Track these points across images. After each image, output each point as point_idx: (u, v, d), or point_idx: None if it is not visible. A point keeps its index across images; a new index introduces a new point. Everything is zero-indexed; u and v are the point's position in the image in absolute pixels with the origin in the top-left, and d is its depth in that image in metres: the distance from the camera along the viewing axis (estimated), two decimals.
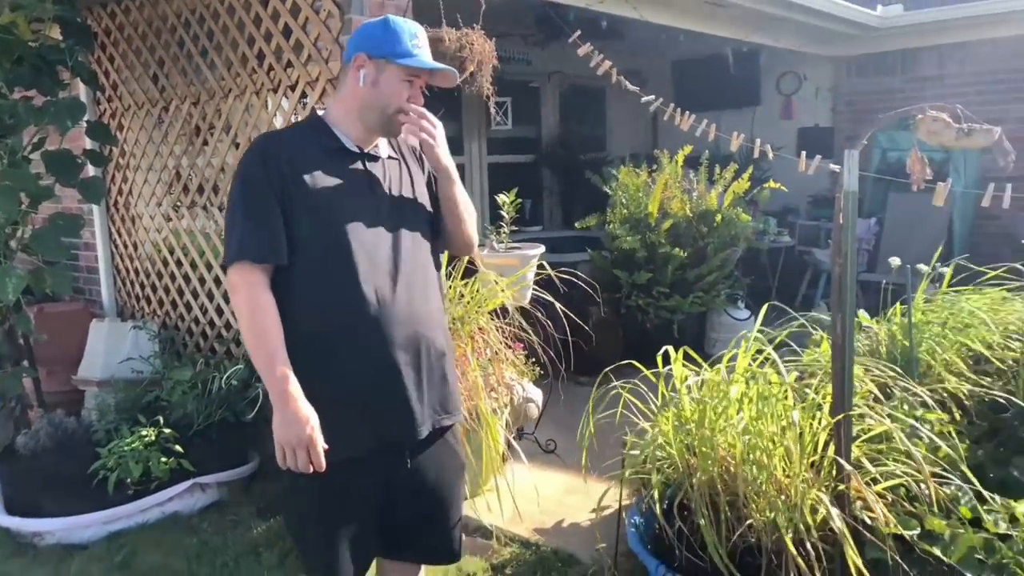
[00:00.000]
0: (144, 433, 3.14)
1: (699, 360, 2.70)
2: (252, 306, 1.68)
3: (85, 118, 3.90)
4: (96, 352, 3.93)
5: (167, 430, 3.20)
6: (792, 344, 2.94)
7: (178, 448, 3.17)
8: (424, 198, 1.93)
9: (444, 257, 2.80)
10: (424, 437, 1.84)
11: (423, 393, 1.81)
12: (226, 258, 1.73)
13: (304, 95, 3.41)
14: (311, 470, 1.64)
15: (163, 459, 3.11)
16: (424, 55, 1.82)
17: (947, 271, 3.34)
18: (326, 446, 1.65)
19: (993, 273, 3.35)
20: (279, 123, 3.55)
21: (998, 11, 6.15)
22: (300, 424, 1.62)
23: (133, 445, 3.07)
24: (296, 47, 3.37)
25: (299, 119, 3.47)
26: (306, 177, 1.73)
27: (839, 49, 7.02)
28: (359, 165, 1.82)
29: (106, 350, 3.89)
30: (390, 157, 1.89)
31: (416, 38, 1.81)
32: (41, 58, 3.65)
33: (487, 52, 3.24)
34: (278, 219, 1.70)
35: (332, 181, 1.76)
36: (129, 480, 3.04)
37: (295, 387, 1.64)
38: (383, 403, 1.77)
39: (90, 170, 4.21)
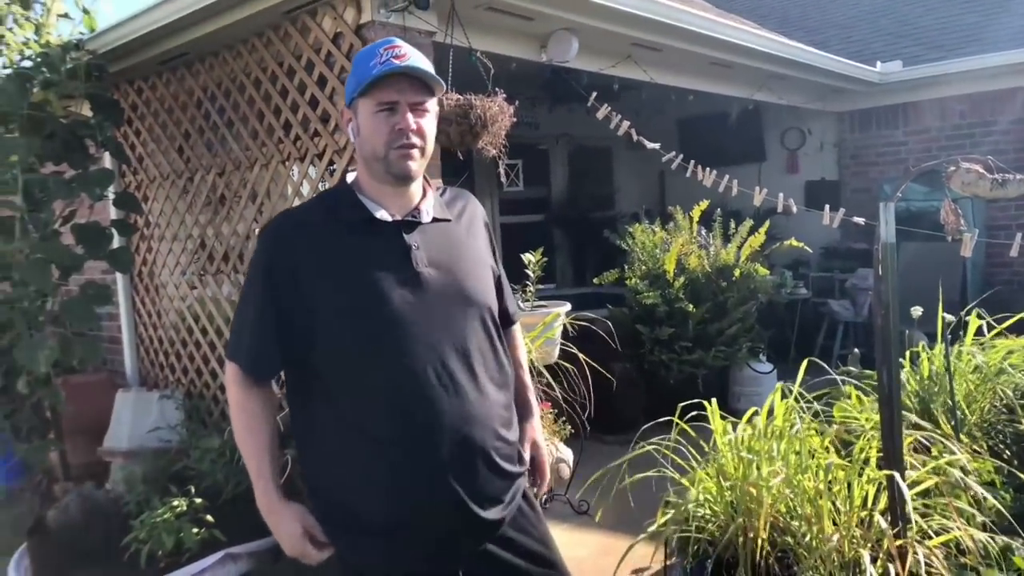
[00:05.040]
0: (175, 503, 3.10)
1: (722, 414, 2.68)
2: (238, 409, 1.59)
3: (111, 189, 3.98)
4: (122, 422, 3.91)
5: (198, 500, 3.16)
6: (813, 400, 2.92)
7: (209, 518, 3.12)
8: (483, 265, 1.67)
9: None
10: (487, 559, 1.60)
11: (471, 509, 1.53)
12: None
13: (332, 163, 3.48)
14: (326, 555, 1.57)
15: (195, 530, 3.06)
16: (387, 67, 1.50)
17: (971, 320, 3.35)
18: (323, 539, 1.56)
19: (1014, 319, 3.37)
20: (306, 190, 3.62)
21: (991, 65, 6.34)
22: (284, 534, 1.55)
23: (165, 516, 3.03)
24: (323, 116, 3.46)
25: (325, 187, 3.57)
26: (322, 262, 1.52)
27: (842, 104, 7.19)
28: (392, 236, 1.55)
29: (132, 420, 3.87)
30: (436, 220, 1.61)
31: (376, 56, 1.52)
32: (71, 133, 3.74)
33: (493, 113, 3.27)
34: (274, 328, 1.53)
35: (356, 264, 1.52)
36: (161, 552, 2.99)
37: (272, 496, 1.55)
38: (427, 524, 1.52)
39: (116, 241, 4.27)
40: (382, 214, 1.57)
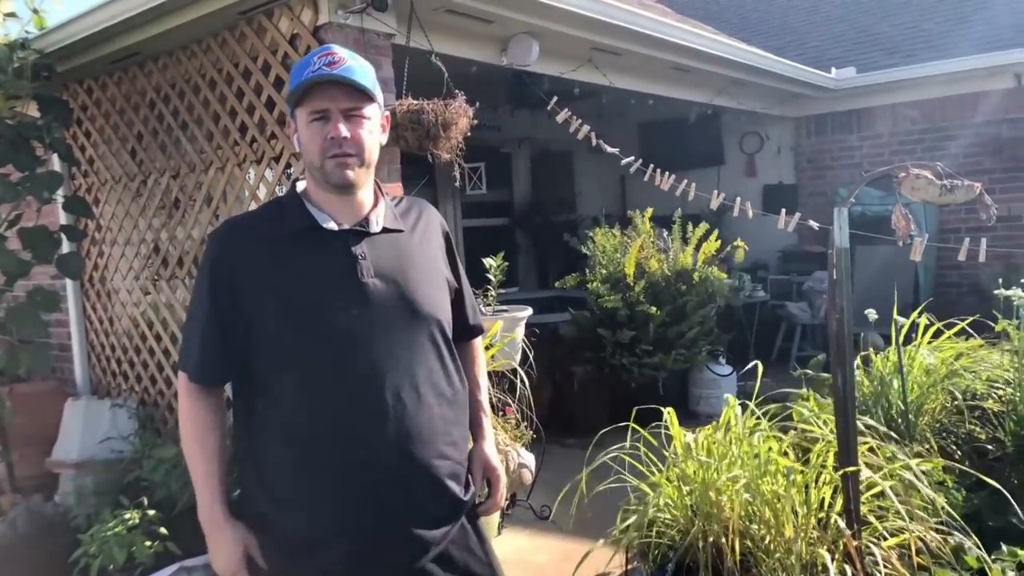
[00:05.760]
0: (127, 516, 3.01)
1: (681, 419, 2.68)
2: (186, 420, 1.56)
3: (60, 193, 3.86)
4: (72, 432, 3.80)
5: (151, 512, 3.08)
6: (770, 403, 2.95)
7: (163, 530, 3.04)
8: (436, 277, 1.63)
9: None
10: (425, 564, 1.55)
11: (411, 530, 1.51)
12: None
13: (289, 166, 3.42)
14: None
15: (147, 543, 2.98)
16: (316, 75, 1.47)
17: (922, 321, 3.41)
18: (264, 566, 1.51)
19: (966, 322, 3.45)
20: (263, 194, 3.56)
21: (943, 71, 6.51)
22: (222, 556, 1.51)
23: (116, 530, 2.94)
24: (280, 119, 3.40)
25: (282, 190, 3.51)
26: (267, 272, 1.50)
27: (798, 110, 7.32)
28: (339, 245, 1.52)
29: (83, 430, 3.76)
30: (387, 230, 1.58)
31: (310, 65, 1.49)
32: (18, 134, 3.62)
33: (447, 117, 3.24)
34: (220, 336, 1.51)
35: (300, 274, 1.50)
36: (112, 567, 2.90)
37: (218, 515, 1.51)
38: (364, 544, 1.49)
39: (65, 246, 4.14)
40: (329, 224, 1.54)
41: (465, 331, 1.75)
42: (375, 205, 1.60)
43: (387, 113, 1.64)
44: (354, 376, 1.47)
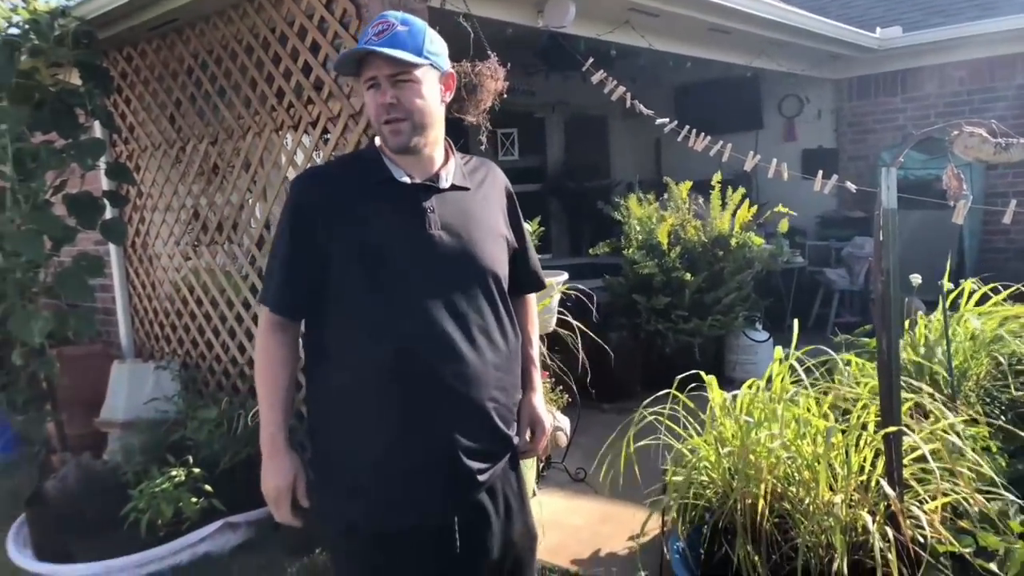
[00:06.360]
0: (174, 473, 3.11)
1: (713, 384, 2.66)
2: (261, 351, 1.66)
3: (103, 159, 3.92)
4: (118, 393, 3.91)
5: (196, 470, 3.17)
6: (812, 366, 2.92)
7: (207, 487, 3.14)
8: (495, 234, 1.70)
9: None
10: (476, 509, 1.65)
11: (465, 464, 1.59)
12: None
13: (326, 131, 3.43)
14: (294, 523, 1.65)
15: (193, 499, 3.07)
16: (361, 47, 1.55)
17: (967, 286, 3.34)
18: (305, 504, 1.63)
19: (1012, 289, 3.37)
20: (300, 160, 3.58)
21: (992, 31, 6.27)
22: (272, 478, 1.61)
23: (164, 486, 3.04)
24: (317, 84, 3.40)
25: (319, 156, 3.53)
26: (344, 217, 1.58)
27: (840, 71, 7.12)
28: (410, 197, 1.60)
29: (129, 391, 3.87)
30: (455, 187, 1.65)
31: (367, 35, 1.56)
32: (61, 101, 3.68)
33: (473, 81, 3.21)
34: (299, 273, 1.60)
35: (374, 219, 1.58)
36: (160, 522, 3.00)
37: (278, 442, 1.61)
38: (421, 478, 1.58)
39: (108, 212, 4.22)
40: (403, 177, 1.62)
41: (529, 284, 1.86)
42: (445, 162, 1.68)
43: (450, 71, 1.67)
44: (415, 321, 1.55)
